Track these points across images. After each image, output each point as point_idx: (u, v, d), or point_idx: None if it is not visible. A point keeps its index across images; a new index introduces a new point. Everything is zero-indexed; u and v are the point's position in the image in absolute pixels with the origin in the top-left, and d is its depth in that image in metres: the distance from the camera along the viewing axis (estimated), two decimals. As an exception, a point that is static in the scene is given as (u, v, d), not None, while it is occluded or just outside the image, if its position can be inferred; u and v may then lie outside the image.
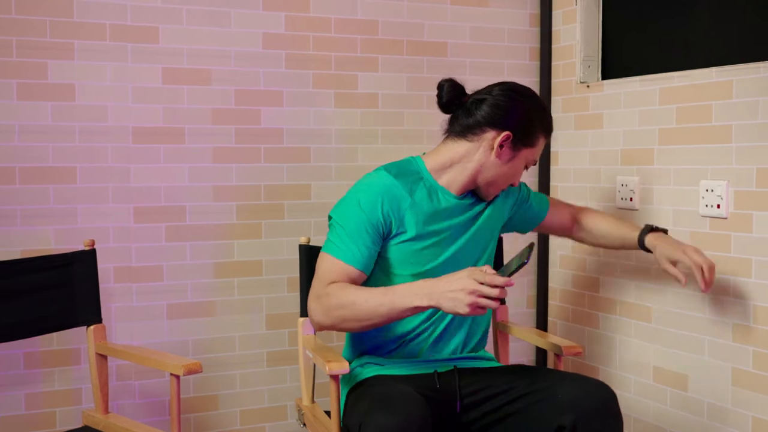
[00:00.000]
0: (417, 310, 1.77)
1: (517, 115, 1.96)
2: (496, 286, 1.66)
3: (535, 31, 2.95)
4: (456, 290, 1.68)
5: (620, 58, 2.77)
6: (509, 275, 1.68)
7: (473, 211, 2.06)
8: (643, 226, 2.22)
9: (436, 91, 2.05)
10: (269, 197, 2.63)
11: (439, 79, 2.04)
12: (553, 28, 2.92)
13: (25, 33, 2.33)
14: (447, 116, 2.07)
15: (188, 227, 2.55)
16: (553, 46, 2.92)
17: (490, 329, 2.43)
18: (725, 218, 2.26)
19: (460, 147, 2.00)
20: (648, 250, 2.18)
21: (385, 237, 1.95)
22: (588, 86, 2.77)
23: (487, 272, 1.68)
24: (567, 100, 2.87)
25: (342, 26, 2.69)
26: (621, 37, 2.77)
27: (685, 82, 2.37)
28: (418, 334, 2.02)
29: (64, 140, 2.39)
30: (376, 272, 1.98)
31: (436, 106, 2.07)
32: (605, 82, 2.71)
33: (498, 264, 2.33)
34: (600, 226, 2.29)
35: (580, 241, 2.36)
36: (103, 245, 2.42)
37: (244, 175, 2.60)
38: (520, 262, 1.68)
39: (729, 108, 2.24)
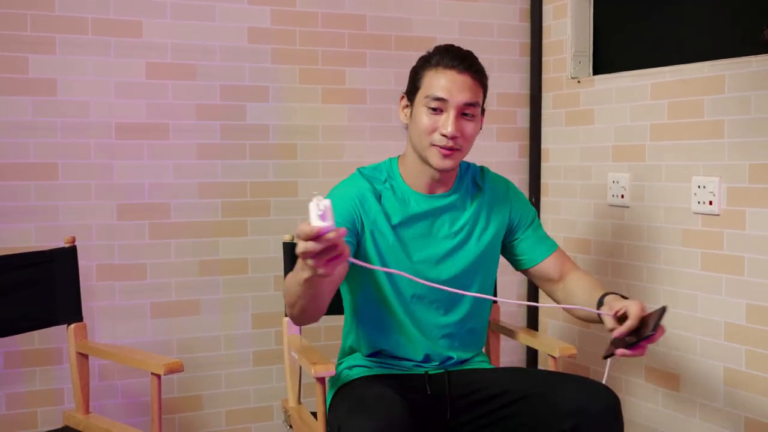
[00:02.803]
0: (307, 282, 1.54)
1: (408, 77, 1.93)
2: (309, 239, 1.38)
3: (526, 26, 2.92)
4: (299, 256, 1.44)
5: (611, 53, 2.74)
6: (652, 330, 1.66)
7: (450, 208, 1.96)
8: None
9: None
10: (255, 194, 2.59)
11: None
12: (544, 23, 2.89)
13: (5, 27, 2.29)
14: None
15: (172, 225, 2.51)
16: (544, 42, 2.89)
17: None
18: (717, 215, 2.23)
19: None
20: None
21: (359, 238, 1.89)
22: (579, 81, 2.73)
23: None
24: (558, 95, 2.83)
25: (329, 21, 2.65)
26: (612, 32, 2.74)
27: (677, 77, 2.34)
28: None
29: (45, 136, 2.35)
30: (372, 295, 1.92)
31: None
32: (596, 77, 2.68)
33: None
34: (575, 292, 1.98)
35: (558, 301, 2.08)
36: (86, 243, 2.38)
37: (230, 172, 2.56)
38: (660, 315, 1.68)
39: (721, 103, 2.21)
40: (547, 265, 2.02)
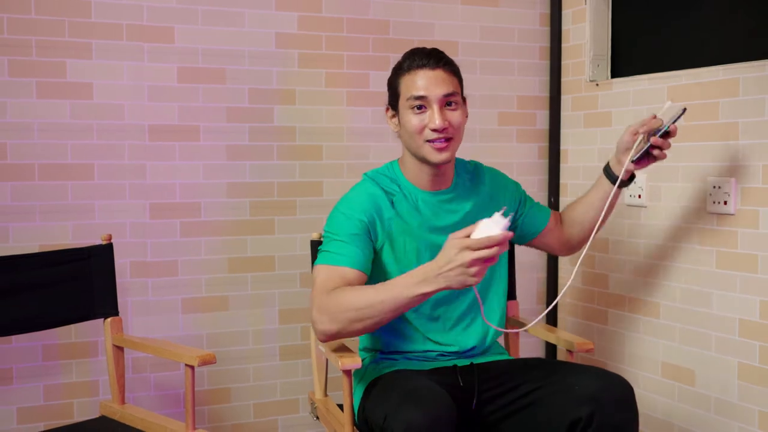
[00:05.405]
0: (424, 296, 1.71)
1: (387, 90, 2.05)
2: (490, 246, 1.60)
3: (545, 30, 2.98)
4: (455, 267, 1.62)
5: (629, 56, 2.79)
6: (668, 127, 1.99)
7: (454, 201, 2.05)
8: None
9: None
10: (282, 194, 2.67)
11: None
12: (563, 28, 2.95)
13: (44, 33, 2.39)
14: None
15: (203, 223, 2.59)
16: (563, 45, 2.95)
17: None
18: (732, 215, 2.28)
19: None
20: (616, 176, 2.10)
21: (374, 244, 1.97)
22: (597, 84, 2.79)
23: (472, 237, 1.63)
24: (576, 98, 2.89)
25: (354, 26, 2.73)
26: (630, 36, 2.79)
27: (693, 80, 2.40)
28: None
29: (82, 138, 2.44)
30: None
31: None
32: (614, 80, 2.74)
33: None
34: (574, 206, 2.24)
35: (572, 244, 2.26)
36: (120, 240, 2.47)
37: (258, 173, 2.64)
38: (679, 114, 1.97)
39: (736, 106, 2.26)
40: (551, 225, 2.22)
